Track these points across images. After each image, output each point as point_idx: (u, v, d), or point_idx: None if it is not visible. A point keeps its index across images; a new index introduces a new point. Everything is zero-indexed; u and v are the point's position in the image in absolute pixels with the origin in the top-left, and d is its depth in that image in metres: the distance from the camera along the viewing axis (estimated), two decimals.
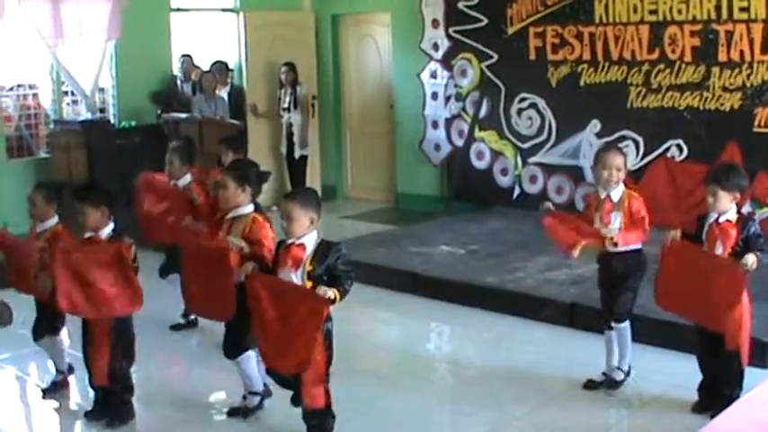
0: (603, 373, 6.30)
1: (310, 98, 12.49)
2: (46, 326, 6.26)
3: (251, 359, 5.79)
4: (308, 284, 5.06)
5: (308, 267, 5.11)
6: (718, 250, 5.48)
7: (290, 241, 5.15)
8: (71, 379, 6.50)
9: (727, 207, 5.47)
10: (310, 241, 5.15)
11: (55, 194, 6.16)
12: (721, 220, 5.48)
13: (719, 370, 5.60)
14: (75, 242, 5.89)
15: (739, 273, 5.25)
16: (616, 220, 6.00)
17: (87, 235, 5.73)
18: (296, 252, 5.11)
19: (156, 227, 7.31)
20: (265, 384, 5.87)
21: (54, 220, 6.12)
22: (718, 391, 5.54)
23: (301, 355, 5.01)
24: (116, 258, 5.49)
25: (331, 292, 4.92)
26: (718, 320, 5.41)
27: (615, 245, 5.92)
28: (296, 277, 5.11)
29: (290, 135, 12.40)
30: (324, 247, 5.16)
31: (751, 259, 5.21)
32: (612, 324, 6.19)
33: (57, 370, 6.45)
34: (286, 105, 12.34)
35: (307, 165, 12.58)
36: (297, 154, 12.41)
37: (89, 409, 5.96)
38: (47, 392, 6.37)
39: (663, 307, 5.89)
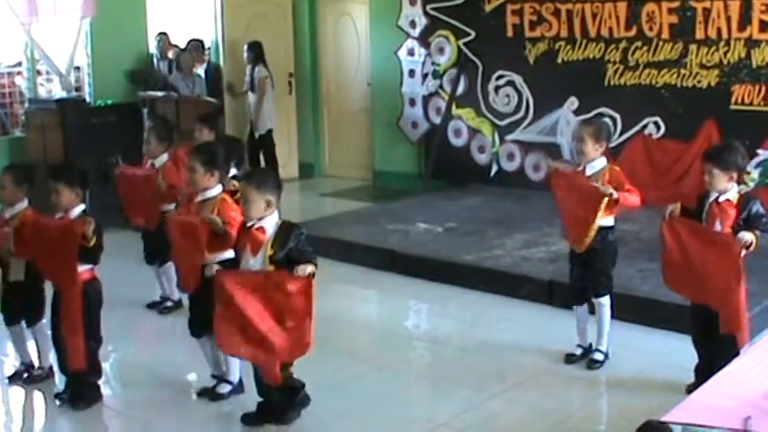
0: (579, 346, 6.34)
1: (268, 79, 12.33)
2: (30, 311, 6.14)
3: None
4: (271, 269, 5.04)
5: (269, 252, 5.06)
6: (716, 229, 5.44)
7: (249, 224, 5.12)
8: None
9: (725, 186, 5.42)
10: (270, 224, 5.11)
11: (24, 176, 6.00)
12: (721, 199, 5.44)
13: (715, 352, 5.52)
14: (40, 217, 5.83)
15: (735, 249, 5.22)
16: None
17: (58, 215, 5.68)
18: (256, 235, 5.07)
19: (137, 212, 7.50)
20: (241, 379, 5.84)
21: (23, 204, 5.95)
22: (714, 373, 5.51)
23: (304, 338, 4.99)
24: (63, 233, 5.48)
25: (310, 268, 4.90)
26: (718, 299, 5.39)
27: (616, 202, 5.87)
28: (255, 262, 5.08)
29: (250, 116, 12.32)
30: (284, 230, 5.10)
31: (747, 236, 5.19)
32: (592, 299, 6.22)
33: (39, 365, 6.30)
34: (246, 87, 12.27)
35: (269, 145, 12.35)
36: (256, 134, 12.31)
37: (59, 390, 5.92)
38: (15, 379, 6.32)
39: (672, 288, 5.81)
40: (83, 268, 5.59)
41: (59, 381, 6.04)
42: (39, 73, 11.40)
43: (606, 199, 5.84)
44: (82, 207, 5.67)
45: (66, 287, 5.60)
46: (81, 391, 5.80)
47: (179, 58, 11.85)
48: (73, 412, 5.75)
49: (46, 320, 6.12)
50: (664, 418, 3.18)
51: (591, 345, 6.33)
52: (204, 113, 9.00)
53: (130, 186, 7.50)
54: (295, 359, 5.22)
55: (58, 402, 5.84)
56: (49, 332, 5.92)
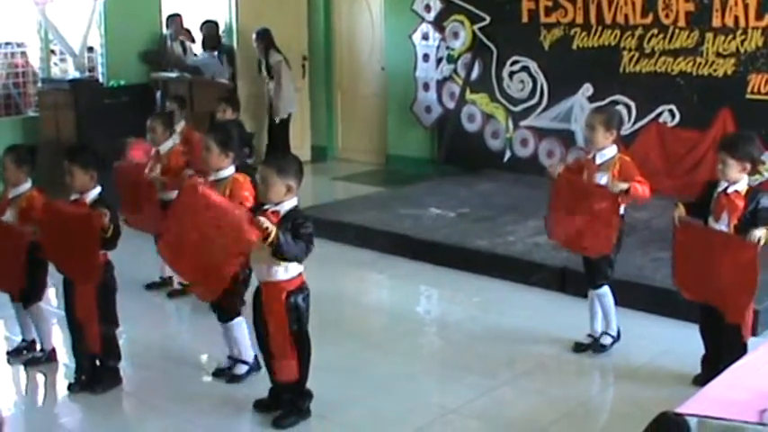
0: (589, 335, 6.33)
1: (282, 63, 12.30)
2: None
3: (241, 326, 5.78)
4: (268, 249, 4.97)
5: None
6: (724, 221, 5.39)
7: (266, 207, 5.10)
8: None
9: (737, 177, 5.35)
10: (285, 209, 5.06)
11: (26, 157, 6.00)
12: (730, 190, 5.37)
13: (722, 343, 5.50)
14: (54, 203, 5.81)
15: (751, 251, 5.15)
16: (602, 181, 5.97)
17: (73, 197, 5.67)
18: (269, 218, 5.01)
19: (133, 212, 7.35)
20: (255, 357, 5.83)
21: (27, 185, 5.97)
22: (721, 364, 5.49)
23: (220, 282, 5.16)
24: (83, 226, 5.46)
25: (269, 225, 4.81)
26: (732, 304, 5.33)
27: (627, 192, 5.83)
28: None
29: (269, 101, 12.28)
30: (291, 214, 5.04)
31: (757, 233, 5.13)
32: (590, 290, 6.21)
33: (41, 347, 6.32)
34: (263, 74, 12.24)
35: (286, 130, 12.36)
36: (276, 119, 12.27)
37: (74, 378, 5.91)
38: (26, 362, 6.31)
39: (684, 294, 5.72)
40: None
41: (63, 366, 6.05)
42: (52, 53, 11.40)
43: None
44: (98, 190, 5.65)
45: (84, 280, 5.60)
46: (100, 374, 5.80)
47: (205, 37, 11.85)
48: (89, 396, 5.74)
49: (44, 303, 6.18)
50: (679, 410, 3.16)
51: (600, 334, 6.33)
52: (227, 94, 9.02)
53: (128, 183, 7.37)
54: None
55: (70, 390, 5.82)
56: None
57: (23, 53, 11.41)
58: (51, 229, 5.65)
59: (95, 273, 5.53)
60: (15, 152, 6.03)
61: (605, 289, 6.17)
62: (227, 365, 5.97)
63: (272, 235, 4.79)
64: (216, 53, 12.18)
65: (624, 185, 5.82)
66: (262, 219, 4.83)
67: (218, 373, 5.97)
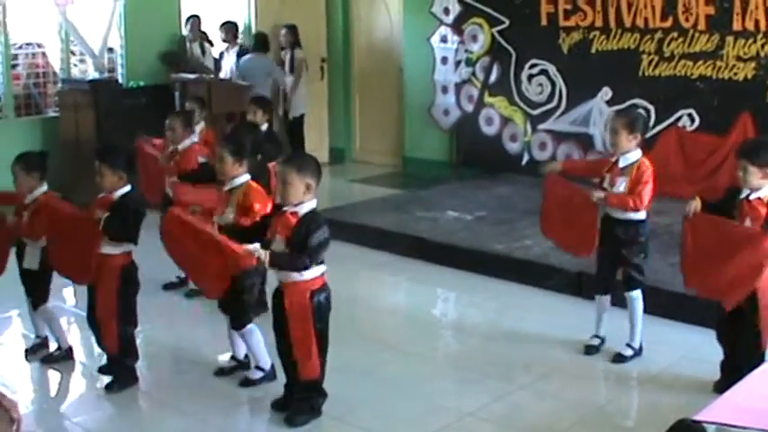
0: (596, 336, 6.34)
1: (304, 62, 12.36)
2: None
3: (254, 333, 5.79)
4: (285, 250, 5.01)
5: (288, 234, 5.05)
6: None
7: (284, 208, 5.10)
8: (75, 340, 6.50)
9: (758, 183, 5.29)
10: (304, 210, 5.07)
11: (35, 164, 6.04)
12: (752, 197, 5.31)
13: (740, 350, 5.46)
14: (68, 205, 5.91)
15: (765, 243, 5.11)
16: (621, 185, 5.97)
17: (101, 195, 5.73)
18: (288, 219, 5.03)
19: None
20: (273, 366, 5.82)
21: (42, 188, 6.02)
22: (740, 371, 5.45)
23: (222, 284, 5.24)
24: (87, 227, 5.55)
25: (261, 253, 4.90)
26: (733, 293, 5.31)
27: (604, 200, 5.94)
28: (277, 245, 5.05)
29: (283, 95, 12.30)
30: (308, 218, 5.04)
31: None
32: (624, 293, 6.18)
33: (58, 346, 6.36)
34: (286, 69, 12.26)
35: (301, 131, 12.39)
36: (290, 116, 12.30)
37: (101, 365, 6.00)
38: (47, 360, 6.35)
39: (689, 285, 5.73)
40: (120, 251, 5.65)
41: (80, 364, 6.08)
42: (72, 54, 11.44)
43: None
44: (125, 189, 5.71)
45: (78, 278, 5.75)
46: (116, 373, 5.84)
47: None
48: (108, 394, 5.78)
49: (59, 302, 6.21)
50: (697, 417, 3.14)
51: (605, 337, 6.33)
52: (258, 96, 9.05)
53: (147, 162, 7.57)
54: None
55: (100, 384, 5.91)
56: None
57: (44, 54, 11.44)
58: (54, 231, 5.75)
59: (89, 272, 5.59)
60: (24, 160, 6.07)
61: (638, 293, 6.14)
62: (229, 365, 6.04)
63: (266, 261, 4.90)
64: (234, 54, 12.18)
65: (600, 194, 5.93)
66: (251, 248, 4.92)
67: (219, 373, 6.01)
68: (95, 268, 5.58)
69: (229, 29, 12.22)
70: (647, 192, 5.91)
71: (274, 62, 12.15)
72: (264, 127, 7.99)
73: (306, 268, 5.02)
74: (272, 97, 11.46)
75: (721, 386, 5.24)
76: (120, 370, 5.85)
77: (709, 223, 5.47)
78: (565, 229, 6.34)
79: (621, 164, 6.01)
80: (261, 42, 11.95)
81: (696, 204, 5.49)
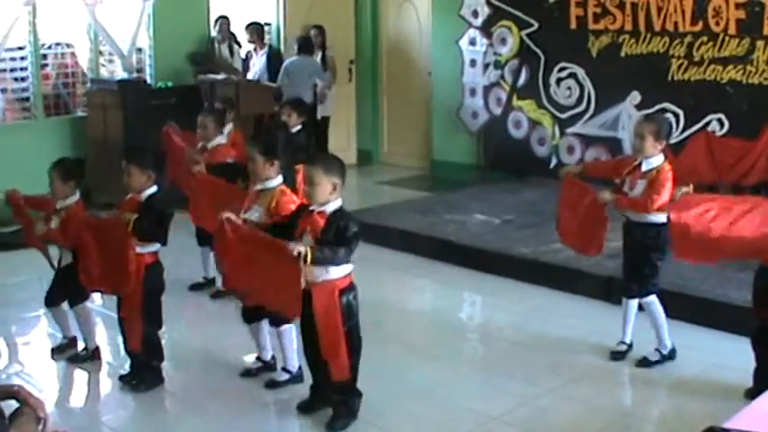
0: (622, 342, 6.30)
1: (335, 62, 12.38)
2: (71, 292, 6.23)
3: (291, 333, 5.78)
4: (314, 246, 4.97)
5: (317, 233, 5.04)
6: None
7: (312, 208, 5.10)
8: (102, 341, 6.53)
9: None
10: (331, 209, 5.06)
11: (72, 173, 6.06)
12: None
13: None
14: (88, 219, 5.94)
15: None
16: (639, 188, 5.97)
17: (128, 197, 5.74)
18: (317, 220, 5.03)
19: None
20: (300, 368, 5.82)
21: (74, 198, 6.04)
22: None
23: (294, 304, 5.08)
24: (118, 232, 5.56)
25: (300, 248, 4.83)
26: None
27: (613, 202, 6.00)
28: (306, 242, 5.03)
29: (314, 94, 12.27)
30: (336, 216, 5.04)
31: None
32: (639, 300, 6.15)
33: (85, 346, 6.38)
34: None
35: (325, 133, 12.38)
36: (318, 115, 12.29)
37: (124, 373, 6.00)
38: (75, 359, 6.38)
39: (677, 256, 5.85)
40: (146, 250, 5.65)
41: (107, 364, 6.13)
42: (101, 54, 11.48)
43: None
44: (153, 189, 5.73)
45: (119, 290, 5.72)
46: (142, 374, 5.86)
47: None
48: (133, 394, 5.80)
49: (89, 302, 6.31)
50: (726, 425, 3.10)
51: (632, 343, 6.29)
52: (295, 98, 9.06)
53: (174, 150, 7.74)
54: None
55: (120, 383, 5.93)
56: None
57: (73, 54, 11.47)
58: (85, 242, 5.72)
59: (128, 279, 5.56)
60: (62, 167, 6.08)
61: (653, 297, 6.10)
62: (255, 367, 6.05)
63: (308, 258, 4.83)
64: (263, 55, 12.20)
65: (607, 196, 5.97)
66: (291, 245, 4.87)
67: (245, 374, 6.03)
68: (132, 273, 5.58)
69: (255, 30, 12.23)
70: (661, 194, 5.88)
71: (319, 64, 12.13)
72: (296, 129, 8.00)
73: (346, 261, 5.02)
74: (311, 98, 11.47)
75: (753, 393, 5.16)
76: (145, 371, 5.86)
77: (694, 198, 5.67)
78: (574, 229, 6.38)
79: (644, 168, 6.00)
80: (306, 45, 11.95)
81: (688, 190, 5.67)
